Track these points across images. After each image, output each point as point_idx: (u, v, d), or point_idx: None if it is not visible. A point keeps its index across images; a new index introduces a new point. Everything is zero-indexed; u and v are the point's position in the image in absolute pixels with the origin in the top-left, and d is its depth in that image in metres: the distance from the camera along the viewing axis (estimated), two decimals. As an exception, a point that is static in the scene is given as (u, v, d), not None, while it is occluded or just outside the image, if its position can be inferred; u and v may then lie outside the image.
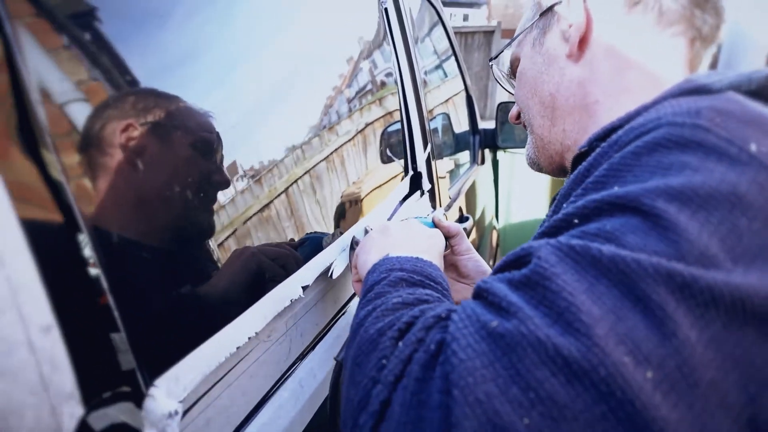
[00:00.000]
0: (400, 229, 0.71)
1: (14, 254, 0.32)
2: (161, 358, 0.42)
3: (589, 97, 0.62)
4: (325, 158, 0.79)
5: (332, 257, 0.76)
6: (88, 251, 0.37)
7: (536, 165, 0.74)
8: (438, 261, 0.69)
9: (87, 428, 0.37)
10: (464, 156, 2.34)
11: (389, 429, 0.36)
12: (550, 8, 0.67)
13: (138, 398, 0.39)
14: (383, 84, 1.15)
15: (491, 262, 2.62)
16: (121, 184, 0.41)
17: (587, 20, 0.61)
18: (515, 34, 0.75)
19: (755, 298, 0.33)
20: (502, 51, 0.83)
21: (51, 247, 0.34)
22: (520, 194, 4.13)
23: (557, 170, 0.71)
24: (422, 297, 0.50)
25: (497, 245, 3.28)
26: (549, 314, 0.35)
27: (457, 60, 2.36)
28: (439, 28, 2.13)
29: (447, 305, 0.46)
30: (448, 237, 0.85)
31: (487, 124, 2.62)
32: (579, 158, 0.55)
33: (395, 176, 1.16)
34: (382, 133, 1.09)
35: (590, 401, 0.31)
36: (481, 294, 0.40)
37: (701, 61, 0.63)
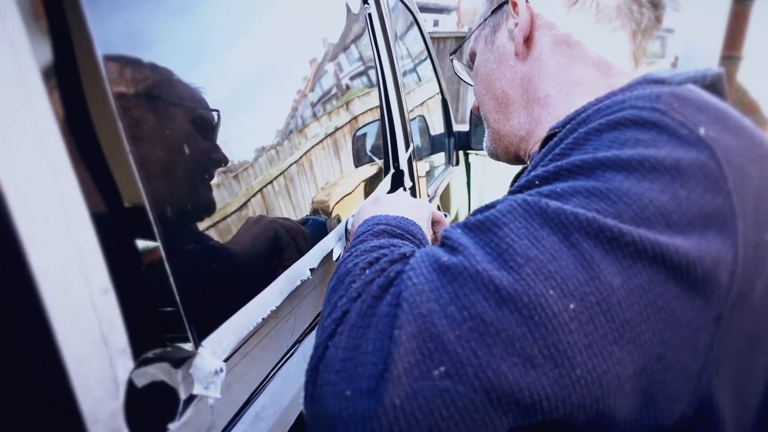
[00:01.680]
0: (391, 198, 0.78)
1: (83, 228, 0.37)
2: (207, 322, 0.47)
3: (540, 91, 0.67)
4: (299, 159, 0.84)
5: (332, 244, 0.81)
6: (147, 230, 0.42)
7: (494, 155, 0.80)
8: (425, 225, 0.75)
9: (132, 383, 0.41)
10: (440, 157, 2.42)
11: (345, 329, 0.43)
12: (499, 7, 0.71)
13: (179, 359, 0.44)
14: (363, 84, 1.21)
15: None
16: (173, 168, 0.46)
17: (530, 20, 0.66)
18: (472, 30, 0.79)
19: (675, 256, 0.39)
20: (461, 46, 0.88)
21: (114, 224, 0.39)
22: (491, 195, 4.24)
23: (513, 159, 0.77)
24: (397, 244, 0.56)
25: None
26: (491, 253, 0.41)
27: (433, 64, 2.44)
28: (417, 33, 2.20)
29: (412, 247, 0.53)
30: (432, 223, 0.91)
31: (460, 127, 2.70)
32: (550, 138, 0.59)
33: (376, 174, 1.21)
34: (357, 134, 1.12)
35: (513, 322, 0.37)
36: (442, 240, 0.46)
37: (644, 52, 0.69)
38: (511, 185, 0.68)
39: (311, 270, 0.70)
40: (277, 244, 0.64)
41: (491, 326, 0.37)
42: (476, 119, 2.58)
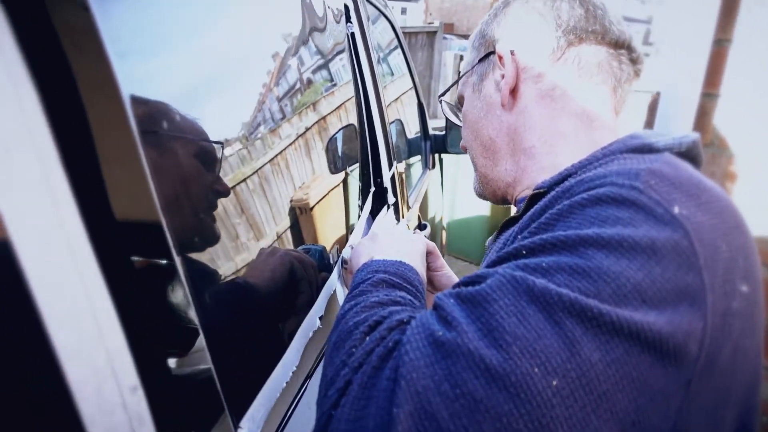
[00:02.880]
0: (387, 236, 0.81)
1: (111, 326, 0.37)
2: (242, 400, 0.48)
3: (525, 142, 0.70)
4: (272, 160, 0.85)
5: (335, 285, 0.82)
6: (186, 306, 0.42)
7: (482, 196, 0.83)
8: (419, 262, 0.78)
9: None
10: (416, 160, 2.43)
11: (347, 401, 0.45)
12: (486, 56, 0.74)
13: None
14: (345, 98, 1.21)
15: (441, 261, 2.73)
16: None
17: (516, 73, 0.69)
18: (459, 75, 0.81)
19: (649, 332, 0.42)
20: (448, 90, 0.90)
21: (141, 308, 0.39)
22: (464, 192, 4.29)
23: (501, 201, 0.80)
24: (396, 299, 0.59)
25: (446, 243, 3.40)
26: (482, 329, 0.43)
27: (408, 66, 2.44)
28: (390, 33, 2.20)
29: (410, 311, 0.55)
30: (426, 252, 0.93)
31: (432, 123, 2.72)
32: (536, 196, 0.63)
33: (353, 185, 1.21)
34: (334, 143, 1.11)
35: (501, 399, 0.40)
36: (436, 306, 0.49)
37: (624, 102, 0.72)
38: (499, 233, 0.71)
39: (320, 318, 0.71)
40: (294, 282, 0.66)
41: (481, 404, 0.40)
42: (450, 122, 2.60)
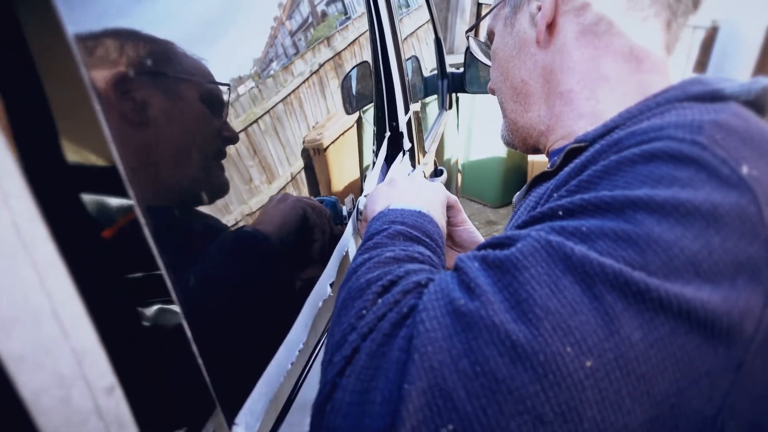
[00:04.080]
0: (406, 182, 0.74)
1: (79, 325, 0.31)
2: (237, 393, 0.42)
3: (562, 85, 0.61)
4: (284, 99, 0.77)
5: (345, 245, 0.76)
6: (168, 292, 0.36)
7: (510, 145, 0.75)
8: (440, 213, 0.72)
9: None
10: (432, 99, 2.32)
11: (354, 371, 0.41)
12: None
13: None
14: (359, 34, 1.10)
15: (456, 205, 2.66)
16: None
17: (555, 4, 0.60)
18: (491, 7, 0.72)
19: (701, 310, 0.37)
20: (477, 24, 0.82)
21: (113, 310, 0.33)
22: (479, 133, 4.16)
23: (531, 150, 0.72)
24: (413, 254, 0.54)
25: (460, 185, 3.32)
26: (509, 300, 0.39)
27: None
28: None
29: (428, 272, 0.50)
30: (447, 207, 0.86)
31: (449, 60, 2.58)
32: (576, 150, 0.56)
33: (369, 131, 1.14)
34: (348, 82, 1.03)
35: (527, 380, 0.36)
36: (458, 269, 0.44)
37: (678, 41, 0.63)
38: (528, 189, 0.64)
39: (331, 285, 0.65)
40: (300, 241, 0.60)
41: (503, 384, 0.36)
42: (470, 58, 2.46)
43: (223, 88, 0.51)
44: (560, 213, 0.44)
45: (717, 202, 0.39)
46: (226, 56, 0.53)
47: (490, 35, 0.73)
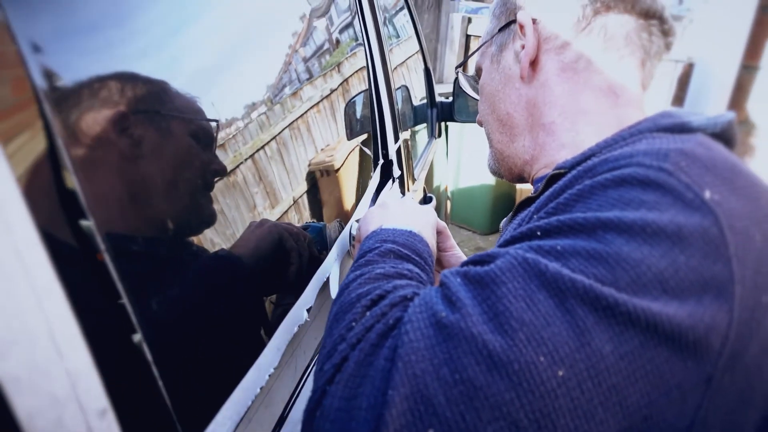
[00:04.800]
0: (398, 205, 0.76)
1: (74, 347, 0.31)
2: (200, 418, 0.42)
3: (545, 117, 0.65)
4: (286, 129, 0.78)
5: (327, 271, 0.77)
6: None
7: (497, 174, 0.78)
8: (431, 234, 0.75)
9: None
10: (422, 128, 2.35)
11: (342, 378, 0.43)
12: (507, 25, 0.69)
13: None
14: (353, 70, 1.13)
15: (445, 232, 2.67)
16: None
17: (537, 44, 0.64)
18: (479, 44, 0.77)
19: (668, 324, 0.39)
20: (465, 61, 0.87)
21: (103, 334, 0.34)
22: (468, 161, 4.21)
23: (516, 179, 0.76)
24: (402, 271, 0.57)
25: (450, 212, 3.34)
26: (487, 312, 0.41)
27: (415, 27, 2.33)
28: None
29: (414, 287, 0.52)
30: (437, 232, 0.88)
31: (438, 88, 2.62)
32: (556, 177, 0.58)
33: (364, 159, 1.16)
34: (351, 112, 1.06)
35: (502, 387, 0.38)
36: (442, 284, 0.46)
37: (653, 77, 0.67)
38: (514, 214, 0.68)
39: (308, 310, 0.66)
40: (277, 264, 0.60)
41: (480, 391, 0.38)
42: (458, 89, 2.51)
43: (212, 124, 0.52)
44: (538, 233, 0.47)
45: (681, 223, 0.42)
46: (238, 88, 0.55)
47: (478, 71, 0.78)
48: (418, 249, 0.64)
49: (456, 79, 2.52)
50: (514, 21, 0.67)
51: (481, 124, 0.78)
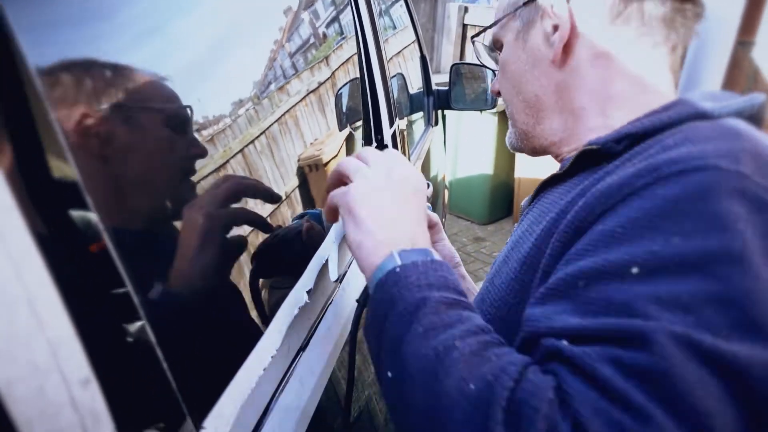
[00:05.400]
0: (382, 178, 0.59)
1: (55, 316, 0.31)
2: (205, 397, 0.42)
3: (575, 102, 0.65)
4: (277, 121, 0.78)
5: (326, 253, 0.76)
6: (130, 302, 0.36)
7: (518, 150, 0.77)
8: (423, 217, 0.60)
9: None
10: (418, 115, 2.34)
11: None
12: (532, 0, 0.67)
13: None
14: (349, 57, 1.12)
15: (443, 220, 2.67)
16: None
17: (571, 28, 0.63)
18: (498, 17, 0.74)
19: None
20: (485, 30, 0.83)
21: (89, 302, 0.33)
22: (466, 150, 4.21)
23: (539, 155, 0.75)
24: (479, 335, 0.46)
25: (447, 202, 3.34)
26: (676, 416, 0.36)
27: (411, 18, 2.32)
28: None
29: (510, 356, 0.44)
30: (428, 227, 0.88)
31: (435, 78, 2.61)
32: (587, 153, 0.58)
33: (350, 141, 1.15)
34: (338, 98, 1.04)
35: None
36: (584, 371, 0.40)
37: (681, 62, 0.67)
38: (537, 195, 0.66)
39: (308, 292, 0.65)
40: (277, 246, 0.60)
41: None
42: (455, 77, 2.49)
43: (187, 110, 0.51)
44: (634, 271, 0.42)
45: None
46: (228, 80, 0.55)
47: (497, 42, 0.75)
48: (453, 283, 0.51)
49: (452, 66, 2.51)
50: None
51: (497, 94, 0.77)
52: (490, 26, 0.77)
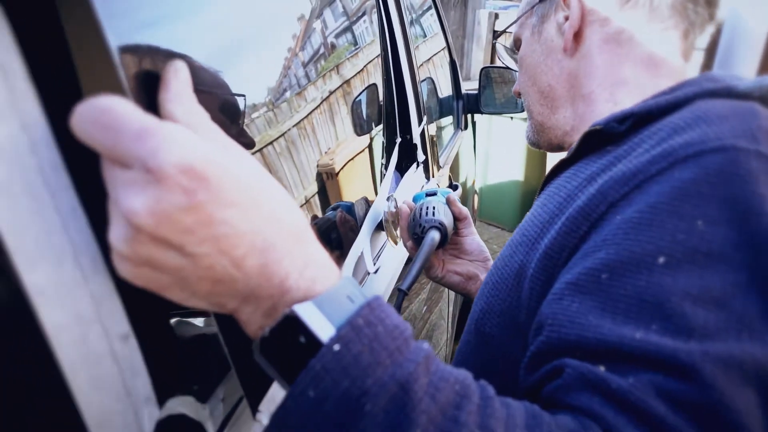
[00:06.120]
0: (236, 187, 0.33)
1: (98, 272, 0.33)
2: (261, 383, 0.43)
3: (585, 88, 0.66)
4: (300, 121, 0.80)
5: (360, 248, 0.78)
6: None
7: (536, 145, 0.78)
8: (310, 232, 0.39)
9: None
10: (448, 120, 2.35)
11: None
12: None
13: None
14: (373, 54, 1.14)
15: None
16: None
17: (581, 15, 0.64)
18: (517, 16, 0.77)
19: None
20: (504, 31, 0.85)
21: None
22: (497, 156, 4.18)
23: (555, 149, 0.75)
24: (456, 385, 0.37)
25: (477, 208, 3.33)
26: None
27: (441, 24, 2.34)
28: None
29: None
30: (458, 219, 0.89)
31: (465, 85, 2.62)
32: (592, 134, 0.57)
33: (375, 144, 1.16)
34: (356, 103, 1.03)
35: None
36: (628, 405, 0.37)
37: (694, 48, 0.66)
38: (547, 182, 0.65)
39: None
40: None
41: None
42: (485, 81, 2.50)
43: (240, 99, 0.54)
44: (661, 261, 0.41)
45: None
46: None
47: (517, 42, 0.78)
48: (403, 333, 0.37)
49: (482, 70, 2.52)
50: None
51: (518, 95, 0.78)
52: (511, 25, 0.79)
